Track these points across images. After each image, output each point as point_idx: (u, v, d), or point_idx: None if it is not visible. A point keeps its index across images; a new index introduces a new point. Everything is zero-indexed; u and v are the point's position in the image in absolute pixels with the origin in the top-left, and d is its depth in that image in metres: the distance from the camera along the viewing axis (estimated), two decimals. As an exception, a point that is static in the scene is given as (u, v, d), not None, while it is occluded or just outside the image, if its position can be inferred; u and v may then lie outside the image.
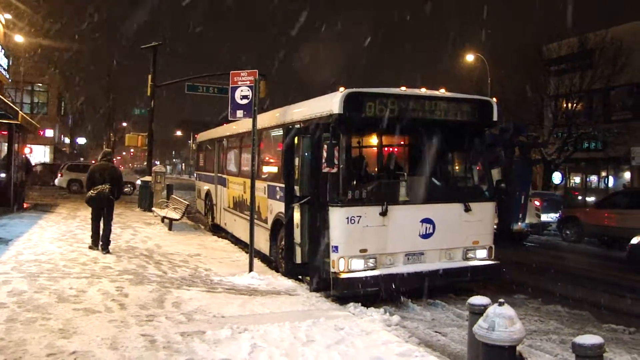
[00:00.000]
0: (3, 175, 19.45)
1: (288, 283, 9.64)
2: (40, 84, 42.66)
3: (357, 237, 8.67)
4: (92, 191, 11.69)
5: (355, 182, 9.32)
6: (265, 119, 11.88)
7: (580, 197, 31.53)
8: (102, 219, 11.85)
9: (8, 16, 25.40)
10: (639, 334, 8.21)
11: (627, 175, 30.31)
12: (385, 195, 9.23)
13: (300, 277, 10.09)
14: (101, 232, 11.87)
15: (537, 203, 19.51)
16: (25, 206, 21.12)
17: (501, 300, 4.45)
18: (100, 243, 11.82)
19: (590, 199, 30.23)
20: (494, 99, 10.26)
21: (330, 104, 8.87)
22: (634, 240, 13.55)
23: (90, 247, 11.93)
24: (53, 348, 5.87)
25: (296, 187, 9.88)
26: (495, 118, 9.94)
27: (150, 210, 20.77)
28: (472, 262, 9.61)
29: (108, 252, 11.68)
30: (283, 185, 10.10)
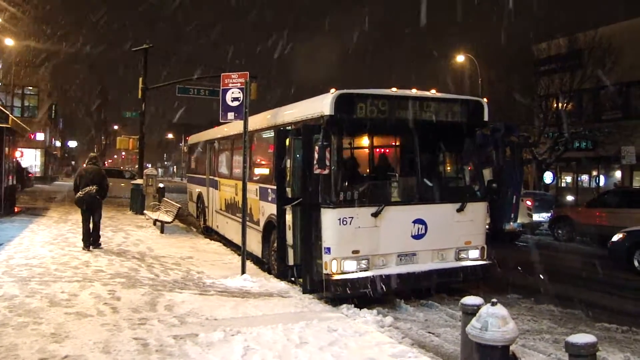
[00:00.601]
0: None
1: (281, 285, 9.63)
2: (31, 87, 42.42)
3: (350, 239, 8.66)
4: (80, 192, 12.38)
5: (347, 184, 9.31)
6: (256, 121, 11.86)
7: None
8: (90, 219, 12.52)
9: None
10: (631, 332, 8.23)
11: (617, 174, 30.43)
12: (377, 196, 9.25)
13: (292, 279, 10.06)
14: (91, 232, 12.60)
15: (528, 203, 19.57)
16: (16, 210, 21.01)
17: (494, 300, 4.45)
18: (90, 239, 12.51)
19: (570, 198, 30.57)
20: (485, 99, 10.29)
21: (321, 105, 8.86)
22: (615, 238, 13.76)
23: (83, 248, 12.40)
24: (45, 353, 5.84)
25: (288, 189, 9.87)
26: (485, 118, 9.97)
27: (142, 213, 20.70)
28: (464, 263, 9.63)
29: (99, 246, 12.60)
30: (275, 187, 10.10)
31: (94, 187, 12.37)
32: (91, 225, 12.55)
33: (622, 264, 13.49)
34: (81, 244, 12.61)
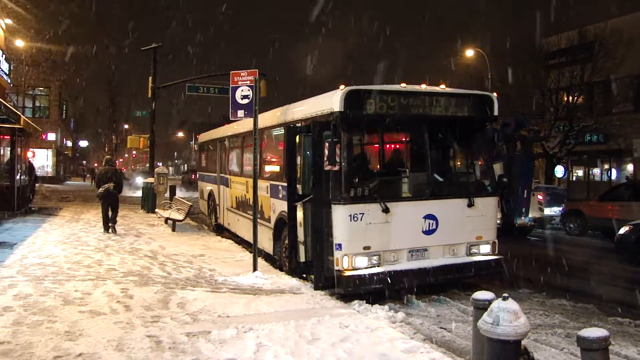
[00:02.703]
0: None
1: (292, 282, 9.65)
2: (42, 88, 42.67)
3: (361, 235, 8.67)
4: (101, 189, 15.15)
5: (357, 180, 9.30)
6: (266, 118, 11.89)
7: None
8: (109, 209, 15.36)
9: (9, 21, 25.43)
10: (644, 326, 8.20)
11: (629, 167, 30.24)
12: (387, 192, 9.24)
13: (304, 275, 10.09)
14: (110, 218, 15.45)
15: (540, 197, 19.48)
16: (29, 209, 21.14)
17: (505, 294, 4.44)
18: (110, 225, 15.32)
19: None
20: (494, 94, 10.26)
21: (331, 102, 8.87)
22: (621, 230, 13.73)
23: (104, 232, 15.22)
24: (59, 350, 5.89)
25: (298, 186, 9.89)
26: (496, 112, 9.94)
27: (154, 212, 20.80)
28: (475, 258, 9.61)
29: (115, 231, 15.29)
30: (285, 184, 10.12)
31: (111, 184, 15.11)
32: (110, 213, 15.36)
33: (630, 257, 13.43)
34: (93, 243, 13.28)
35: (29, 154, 26.29)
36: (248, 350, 6.01)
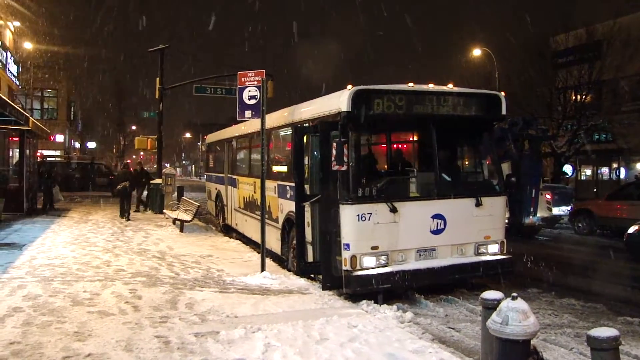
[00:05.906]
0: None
1: (300, 282, 9.65)
2: (50, 90, 42.87)
3: (368, 235, 8.66)
4: (119, 186, 19.49)
5: (365, 180, 9.29)
6: (273, 119, 11.89)
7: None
8: (125, 202, 19.44)
9: (17, 23, 25.55)
10: (654, 325, 8.15)
11: (638, 166, 30.08)
12: (395, 191, 9.22)
13: (312, 275, 10.09)
14: (125, 208, 19.44)
15: (548, 196, 19.40)
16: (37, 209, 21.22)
17: (514, 294, 4.43)
18: (125, 214, 19.22)
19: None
20: (502, 93, 10.22)
21: (338, 102, 8.86)
22: (631, 230, 13.66)
23: (120, 217, 19.31)
24: (69, 351, 5.92)
25: (306, 186, 9.89)
26: (503, 112, 9.90)
27: (162, 213, 20.84)
28: (484, 257, 9.58)
29: (129, 219, 18.95)
30: (293, 185, 10.11)
31: (127, 182, 19.45)
32: (125, 205, 19.38)
33: (638, 256, 13.36)
34: (102, 244, 13.52)
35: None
36: (256, 351, 6.02)
